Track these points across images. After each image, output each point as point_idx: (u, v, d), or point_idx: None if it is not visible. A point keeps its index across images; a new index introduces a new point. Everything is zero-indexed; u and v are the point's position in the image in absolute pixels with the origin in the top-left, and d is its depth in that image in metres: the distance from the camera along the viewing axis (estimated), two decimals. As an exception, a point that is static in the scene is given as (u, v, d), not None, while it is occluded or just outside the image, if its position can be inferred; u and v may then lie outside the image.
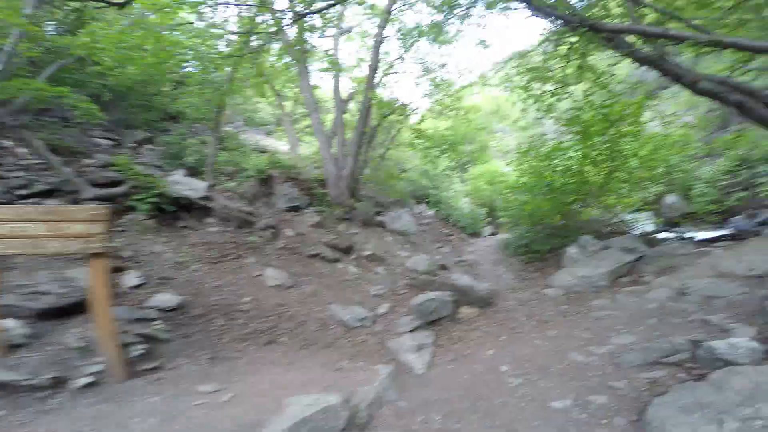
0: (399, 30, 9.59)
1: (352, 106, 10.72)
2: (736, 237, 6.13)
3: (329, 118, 11.17)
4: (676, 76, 4.47)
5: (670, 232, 7.71)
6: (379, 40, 9.94)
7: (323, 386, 3.14)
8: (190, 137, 8.55)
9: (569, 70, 6.22)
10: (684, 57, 4.79)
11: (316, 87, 13.50)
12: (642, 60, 4.63)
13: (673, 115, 7.56)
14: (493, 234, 11.52)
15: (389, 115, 10.52)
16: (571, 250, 6.68)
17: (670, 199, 9.42)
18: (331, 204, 8.41)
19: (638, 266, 5.87)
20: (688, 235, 7.19)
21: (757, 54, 3.42)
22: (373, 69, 9.99)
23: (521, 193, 8.39)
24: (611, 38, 4.66)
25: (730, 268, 4.77)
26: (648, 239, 6.76)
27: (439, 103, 10.32)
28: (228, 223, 6.41)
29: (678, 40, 3.77)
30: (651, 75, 7.39)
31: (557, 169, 7.69)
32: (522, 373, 3.39)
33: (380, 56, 10.42)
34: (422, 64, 10.29)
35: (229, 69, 7.80)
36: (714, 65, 6.66)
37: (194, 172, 7.60)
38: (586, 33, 4.27)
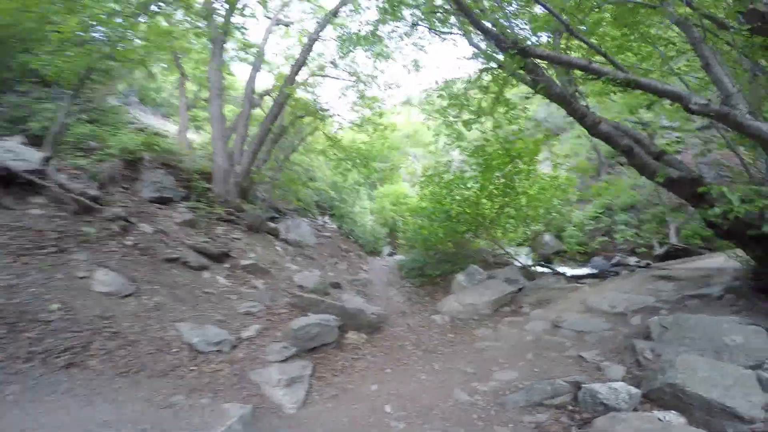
0: (340, 36, 9.16)
1: (268, 102, 9.72)
2: (599, 275, 6.83)
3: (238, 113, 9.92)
4: (582, 115, 4.76)
5: (545, 267, 8.36)
6: (315, 38, 9.29)
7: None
8: (46, 101, 6.68)
9: (485, 103, 6.36)
10: (589, 101, 5.14)
11: (228, 72, 12.17)
12: (555, 96, 4.83)
13: (565, 157, 8.44)
14: (391, 254, 11.38)
15: (304, 117, 9.79)
16: (460, 277, 6.70)
17: (546, 237, 10.45)
18: (213, 202, 7.22)
19: (518, 297, 6.07)
20: (560, 270, 7.86)
21: (661, 97, 3.71)
22: (299, 65, 9.23)
23: (420, 216, 8.38)
24: (532, 70, 4.79)
25: (596, 304, 5.12)
26: (527, 272, 7.15)
27: (361, 115, 9.99)
28: (62, 207, 4.90)
29: (598, 74, 3.94)
30: (552, 118, 8.06)
31: (456, 197, 7.86)
32: (406, 416, 2.94)
33: (312, 55, 9.78)
34: (353, 74, 9.90)
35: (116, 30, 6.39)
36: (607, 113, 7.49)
37: (39, 142, 5.91)
38: (515, 56, 4.28)
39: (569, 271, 7.84)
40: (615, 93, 4.54)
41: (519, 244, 10.00)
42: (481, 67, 5.99)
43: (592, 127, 4.81)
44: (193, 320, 4.04)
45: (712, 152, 7.15)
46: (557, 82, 4.88)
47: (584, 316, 4.83)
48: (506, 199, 7.76)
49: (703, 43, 3.45)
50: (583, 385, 2.67)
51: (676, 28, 3.98)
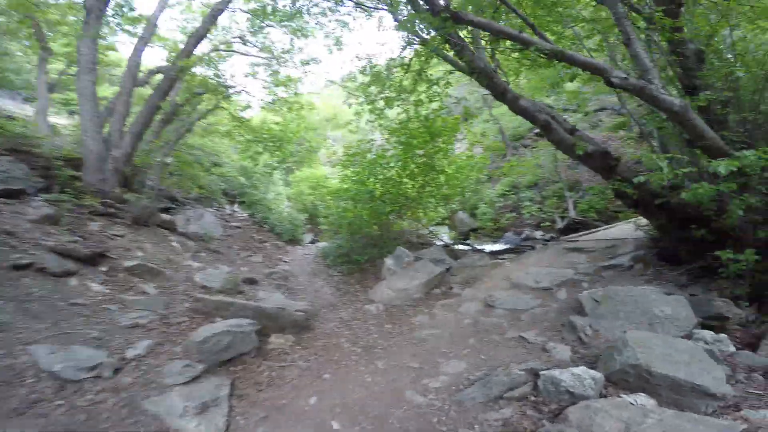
0: (252, 10, 7.87)
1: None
2: (515, 250, 7.17)
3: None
4: (503, 90, 4.69)
5: (465, 244, 8.58)
6: (220, 9, 7.84)
7: None
8: None
9: (406, 81, 6.02)
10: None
11: (111, 47, 9.94)
12: (479, 71, 4.66)
13: (482, 135, 8.61)
14: (313, 242, 10.66)
15: (203, 94, 8.33)
16: (389, 262, 6.43)
17: (462, 215, 10.81)
18: (84, 193, 5.73)
19: (446, 277, 6.02)
20: (479, 247, 8.11)
21: (585, 70, 3.71)
22: (198, 37, 7.77)
23: (344, 199, 7.88)
24: (457, 43, 4.53)
25: (521, 279, 5.27)
26: (450, 251, 7.19)
27: (275, 95, 8.92)
28: None
29: (527, 44, 3.81)
30: (465, 102, 8.07)
31: (379, 177, 7.53)
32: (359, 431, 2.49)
33: (215, 28, 8.32)
34: (265, 49, 8.72)
35: None
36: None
37: None
38: (448, 21, 3.94)
39: (487, 247, 8.14)
40: (540, 66, 4.55)
41: (438, 224, 10.14)
42: (404, 43, 5.67)
43: (513, 102, 4.80)
44: (54, 341, 3.00)
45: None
46: (480, 58, 4.74)
47: (513, 294, 4.91)
48: (427, 178, 7.67)
49: (626, 19, 3.53)
50: (541, 373, 2.52)
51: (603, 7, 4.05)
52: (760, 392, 2.30)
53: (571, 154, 4.71)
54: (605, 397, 2.19)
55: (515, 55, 5.14)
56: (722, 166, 3.10)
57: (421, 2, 4.60)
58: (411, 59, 5.93)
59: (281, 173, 12.64)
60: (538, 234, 9.30)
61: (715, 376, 2.15)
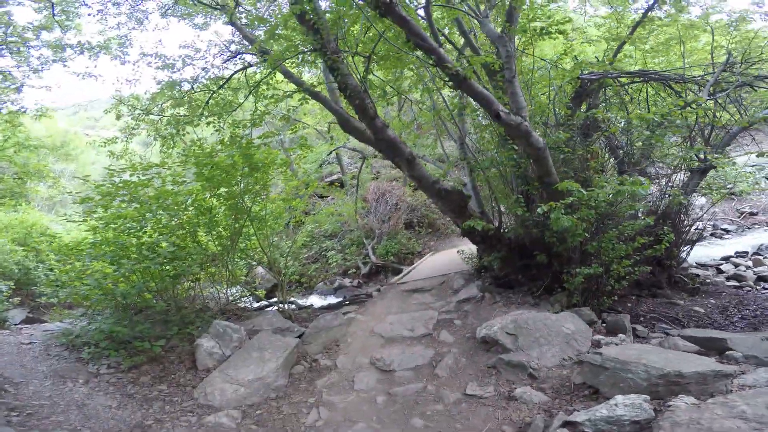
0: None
1: None
2: (355, 301, 6.53)
3: None
4: (372, 116, 4.29)
5: (278, 303, 7.21)
6: None
7: None
8: None
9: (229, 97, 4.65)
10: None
11: None
12: (350, 89, 4.05)
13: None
14: (30, 322, 6.19)
15: None
16: (206, 344, 4.37)
17: (260, 270, 9.24)
18: None
19: (302, 348, 4.68)
20: (301, 303, 6.99)
21: (477, 100, 3.70)
22: None
23: (95, 258, 4.97)
24: (333, 55, 3.77)
25: (391, 331, 4.72)
26: (286, 313, 5.80)
27: None
28: None
29: (440, 61, 3.47)
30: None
31: (161, 225, 5.31)
32: None
33: None
34: None
35: None
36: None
37: None
38: (379, 10, 3.10)
39: (312, 302, 7.14)
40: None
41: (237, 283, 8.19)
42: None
43: (381, 131, 4.51)
44: None
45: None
46: (354, 74, 4.24)
47: (397, 349, 4.27)
48: (237, 225, 6.04)
49: (514, 58, 3.94)
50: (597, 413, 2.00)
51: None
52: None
53: (430, 191, 4.75)
54: None
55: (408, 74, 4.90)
56: (540, 208, 3.78)
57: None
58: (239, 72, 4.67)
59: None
60: (347, 281, 9.10)
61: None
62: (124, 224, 5.09)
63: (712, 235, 9.21)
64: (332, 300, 7.48)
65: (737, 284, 5.74)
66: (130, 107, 7.08)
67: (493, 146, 5.21)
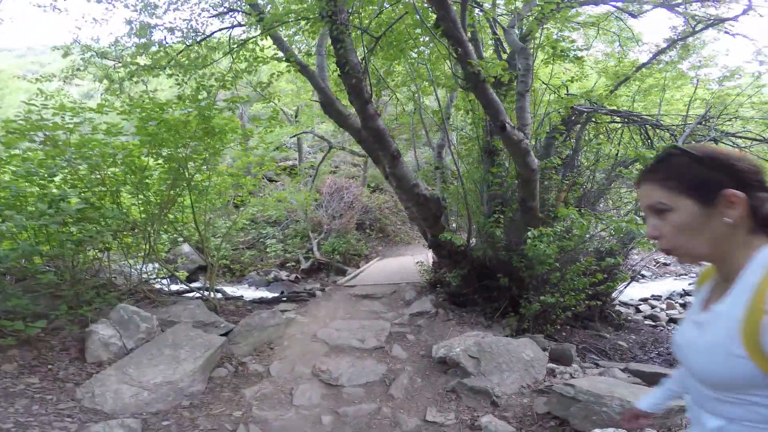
0: None
1: None
2: (295, 299, 5.82)
3: None
4: (366, 101, 3.78)
5: (203, 290, 6.31)
6: None
7: None
8: None
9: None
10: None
11: None
12: (349, 66, 3.51)
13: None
14: None
15: None
16: (103, 332, 3.46)
17: (186, 248, 8.10)
18: None
19: (227, 348, 3.96)
20: (230, 293, 6.13)
21: (486, 106, 3.38)
22: None
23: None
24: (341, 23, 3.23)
25: (337, 339, 4.20)
26: (210, 304, 4.98)
27: None
28: None
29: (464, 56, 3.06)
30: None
31: (77, 177, 4.31)
32: None
33: None
34: None
35: None
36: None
37: None
38: None
39: (246, 294, 6.33)
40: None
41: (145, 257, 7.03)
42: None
43: (371, 118, 4.05)
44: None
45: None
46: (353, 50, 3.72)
47: (344, 360, 3.76)
48: (172, 192, 5.13)
49: (532, 73, 3.69)
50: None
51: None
52: None
53: (408, 194, 4.37)
54: None
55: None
56: (531, 233, 3.68)
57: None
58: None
59: None
60: (284, 274, 8.34)
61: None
62: (27, 168, 4.00)
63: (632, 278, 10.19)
64: (266, 294, 6.71)
65: (653, 323, 6.37)
66: (84, 47, 5.94)
67: (474, 161, 5.02)
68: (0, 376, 2.83)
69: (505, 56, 4.91)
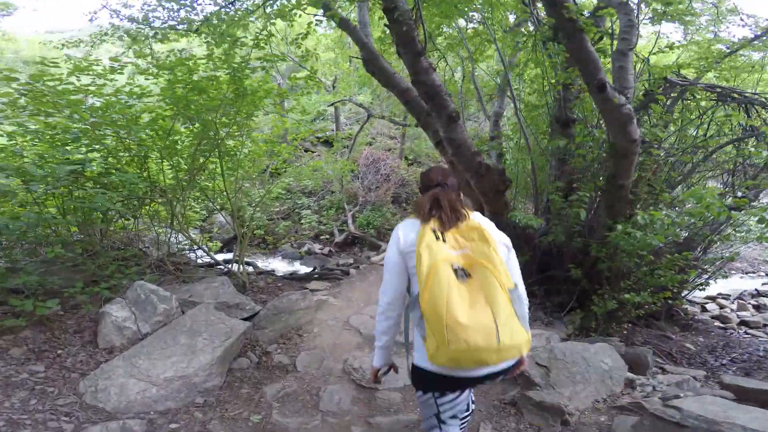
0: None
1: None
2: (327, 276, 5.41)
3: None
4: (419, 52, 3.06)
5: (233, 263, 6.03)
6: None
7: None
8: None
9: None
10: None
11: None
12: (400, 12, 2.80)
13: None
14: None
15: None
16: (116, 313, 3.14)
17: (221, 218, 7.92)
18: None
19: (253, 335, 3.58)
20: (261, 265, 5.83)
21: (582, 63, 2.62)
22: None
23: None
24: None
25: (371, 329, 3.69)
26: (236, 279, 4.64)
27: None
28: None
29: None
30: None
31: (108, 140, 4.00)
32: None
33: None
34: None
35: None
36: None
37: None
38: None
39: (278, 268, 6.00)
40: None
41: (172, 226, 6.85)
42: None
43: (425, 71, 3.36)
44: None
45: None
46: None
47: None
48: (203, 160, 4.75)
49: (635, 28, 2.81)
50: None
51: None
52: None
53: (467, 163, 3.62)
54: None
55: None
56: (640, 217, 2.88)
57: None
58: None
59: None
60: (317, 247, 7.98)
61: None
62: (51, 135, 3.75)
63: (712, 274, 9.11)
64: (299, 268, 6.35)
65: (722, 325, 5.69)
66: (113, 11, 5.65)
67: (539, 133, 4.21)
68: (6, 362, 2.58)
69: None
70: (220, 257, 6.10)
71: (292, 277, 5.23)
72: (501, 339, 1.06)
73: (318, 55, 6.47)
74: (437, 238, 1.17)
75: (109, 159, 4.36)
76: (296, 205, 8.86)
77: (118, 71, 3.99)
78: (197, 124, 4.38)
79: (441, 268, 1.11)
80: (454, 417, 1.37)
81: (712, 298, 6.83)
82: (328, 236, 8.34)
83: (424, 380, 1.34)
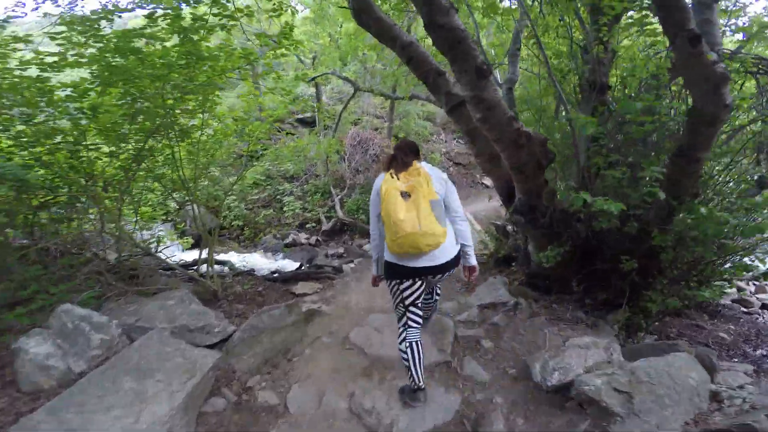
0: None
1: None
2: (316, 276, 4.59)
3: None
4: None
5: (201, 265, 5.15)
6: None
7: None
8: None
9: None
10: None
11: None
12: None
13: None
14: None
15: None
16: (36, 348, 2.28)
17: (196, 210, 6.93)
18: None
19: (225, 363, 2.79)
20: (243, 265, 4.98)
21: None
22: None
23: None
24: None
25: (383, 347, 2.97)
26: (203, 288, 3.80)
27: None
28: None
29: None
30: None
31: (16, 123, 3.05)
32: None
33: None
34: None
35: None
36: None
37: None
38: None
39: (259, 265, 5.17)
40: None
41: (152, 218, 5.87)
42: None
43: (442, 13, 2.55)
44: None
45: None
46: None
47: (394, 388, 2.52)
48: (152, 143, 3.83)
49: None
50: None
51: None
52: None
53: (500, 131, 2.82)
54: None
55: None
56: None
57: None
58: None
59: None
60: (303, 237, 7.15)
61: None
62: None
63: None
64: (283, 264, 5.53)
65: (745, 309, 5.42)
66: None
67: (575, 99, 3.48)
68: None
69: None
70: (190, 256, 5.23)
71: (275, 278, 4.43)
72: (421, 226, 1.92)
73: (294, 9, 5.46)
74: (392, 177, 2.03)
75: (36, 148, 3.39)
76: (277, 191, 7.93)
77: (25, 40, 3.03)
78: (145, 102, 3.45)
79: (392, 193, 1.96)
80: (414, 305, 2.21)
81: (728, 280, 6.57)
82: (314, 224, 7.50)
83: (388, 270, 2.15)
